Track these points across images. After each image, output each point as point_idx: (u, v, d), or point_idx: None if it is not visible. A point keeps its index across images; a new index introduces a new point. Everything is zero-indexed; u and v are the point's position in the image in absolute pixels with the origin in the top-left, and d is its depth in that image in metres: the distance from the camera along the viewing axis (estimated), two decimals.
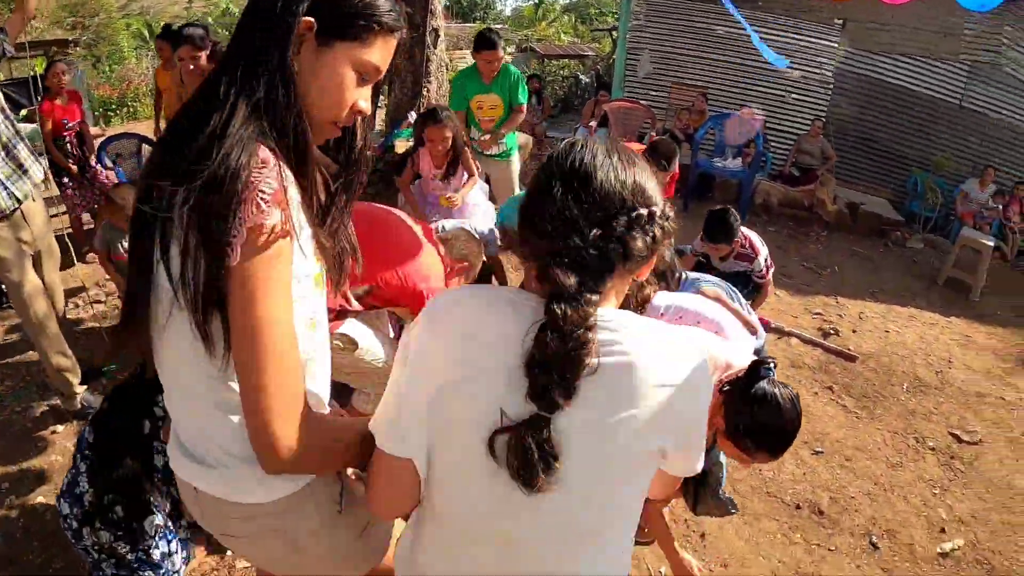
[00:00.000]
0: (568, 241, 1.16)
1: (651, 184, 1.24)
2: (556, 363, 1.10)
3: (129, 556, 2.62)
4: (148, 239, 1.27)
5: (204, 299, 1.19)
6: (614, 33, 16.93)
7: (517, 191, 6.08)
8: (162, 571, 2.68)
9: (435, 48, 7.48)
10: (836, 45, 11.54)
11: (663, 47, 11.95)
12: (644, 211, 1.20)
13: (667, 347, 1.22)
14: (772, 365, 2.32)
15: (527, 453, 1.12)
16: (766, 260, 4.84)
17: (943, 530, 3.95)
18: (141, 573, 2.66)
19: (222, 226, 1.14)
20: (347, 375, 3.13)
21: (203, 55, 4.10)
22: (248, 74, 1.26)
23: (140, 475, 2.63)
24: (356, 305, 2.82)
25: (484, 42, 5.44)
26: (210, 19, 20.49)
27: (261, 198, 1.16)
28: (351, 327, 2.92)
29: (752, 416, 2.25)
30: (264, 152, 1.20)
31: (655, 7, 11.95)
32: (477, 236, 3.39)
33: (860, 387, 5.42)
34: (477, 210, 5.26)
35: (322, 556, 1.58)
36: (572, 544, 1.26)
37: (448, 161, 5.01)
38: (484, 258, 3.67)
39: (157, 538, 2.66)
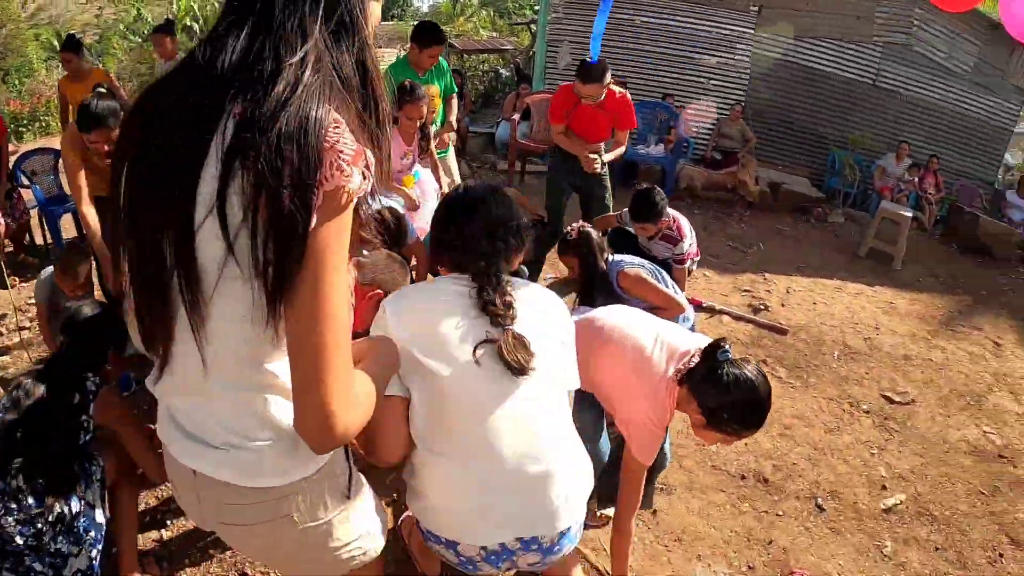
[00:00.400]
0: (473, 247, 1.90)
1: (516, 208, 1.98)
2: (499, 299, 1.84)
3: (18, 539, 2.28)
4: (181, 205, 1.16)
5: (276, 269, 1.11)
6: (533, 26, 16.96)
7: (457, 180, 6.01)
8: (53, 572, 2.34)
9: None
10: (752, 31, 11.72)
11: (582, 38, 11.97)
12: (513, 224, 1.95)
13: (533, 287, 2.05)
14: (727, 346, 2.34)
15: (514, 348, 1.79)
16: (690, 246, 4.87)
17: (884, 487, 4.03)
18: (30, 564, 2.30)
19: (301, 187, 1.07)
20: None
21: (116, 131, 3.85)
22: (329, 10, 1.19)
23: (61, 448, 2.43)
24: None
25: (435, 38, 5.32)
26: (122, 25, 19.83)
27: (342, 159, 1.10)
28: None
29: (733, 401, 2.26)
30: (335, 113, 1.14)
31: None
32: (400, 260, 3.19)
33: (792, 358, 5.49)
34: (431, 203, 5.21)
35: (326, 545, 1.56)
36: (551, 415, 1.97)
37: (417, 140, 4.94)
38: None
39: (57, 531, 2.34)
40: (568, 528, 2.03)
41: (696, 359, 2.42)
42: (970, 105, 12.45)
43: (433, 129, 5.53)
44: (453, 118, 5.93)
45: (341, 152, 1.10)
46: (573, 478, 2.03)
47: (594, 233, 3.86)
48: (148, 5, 21.14)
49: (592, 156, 5.26)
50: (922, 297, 7.55)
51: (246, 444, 1.33)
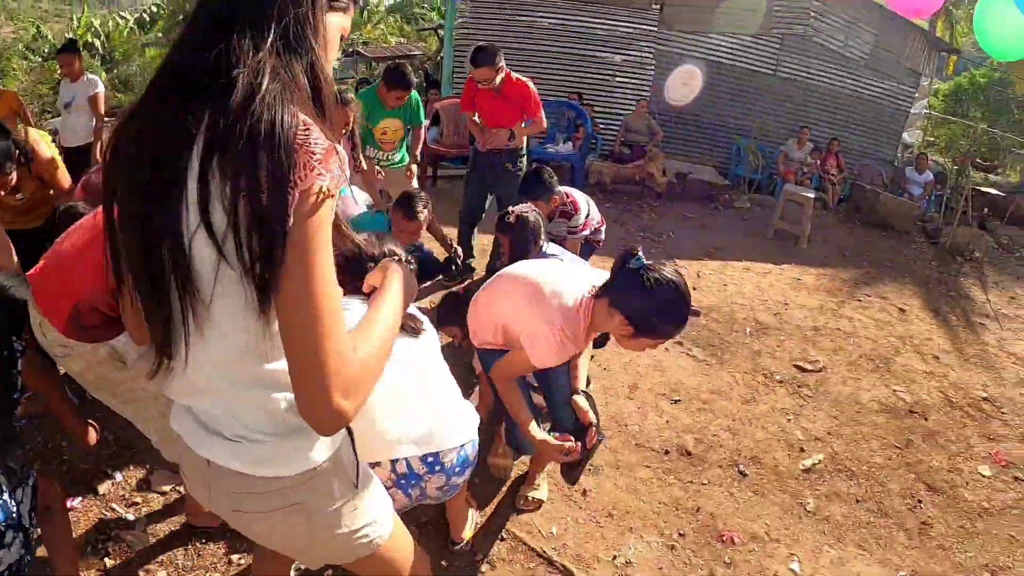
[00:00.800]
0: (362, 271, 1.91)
1: (397, 244, 2.28)
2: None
3: None
4: (174, 215, 1.19)
5: (262, 268, 1.15)
6: (440, 31, 16.95)
7: None
8: None
9: None
10: (655, 28, 11.91)
11: (490, 41, 11.98)
12: (395, 257, 2.07)
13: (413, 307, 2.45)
14: (639, 252, 2.39)
15: (407, 318, 2.22)
16: (588, 216, 4.91)
17: (802, 449, 4.14)
18: None
19: (276, 189, 1.10)
20: (114, 403, 2.72)
21: (13, 175, 3.68)
22: (281, 24, 1.22)
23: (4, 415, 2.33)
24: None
25: (400, 83, 5.28)
26: (21, 44, 19.05)
27: (314, 159, 1.13)
28: (126, 341, 2.57)
29: (661, 302, 2.30)
30: (301, 115, 1.16)
31: (479, 3, 11.99)
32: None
33: (707, 338, 5.58)
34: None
35: (335, 532, 1.59)
36: (436, 366, 2.40)
37: (349, 151, 4.85)
38: None
39: None
40: (463, 447, 2.32)
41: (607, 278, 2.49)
42: (868, 89, 12.92)
43: (398, 157, 5.67)
44: (417, 150, 5.95)
45: (312, 152, 1.13)
46: (460, 406, 2.43)
47: (532, 219, 3.85)
48: (47, 23, 20.48)
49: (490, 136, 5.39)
50: (828, 271, 7.78)
51: (257, 437, 1.38)
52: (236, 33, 1.19)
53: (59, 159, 4.00)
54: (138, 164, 1.23)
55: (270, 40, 1.20)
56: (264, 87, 1.13)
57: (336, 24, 1.37)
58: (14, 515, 2.24)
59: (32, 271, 2.59)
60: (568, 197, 4.82)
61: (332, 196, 1.18)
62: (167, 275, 1.23)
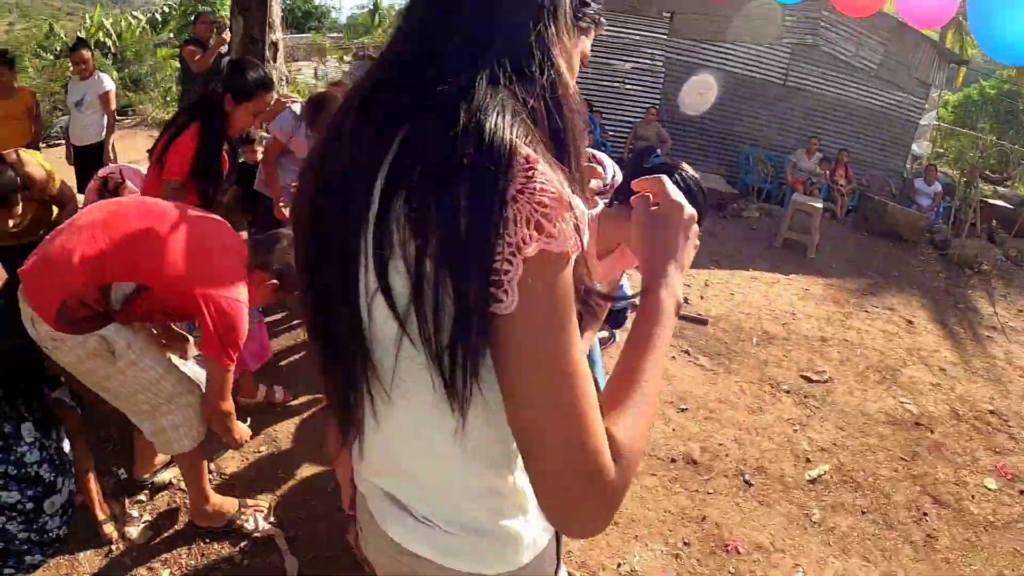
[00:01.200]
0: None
1: None
2: None
3: None
4: (341, 267, 0.96)
5: (453, 365, 0.87)
6: None
7: None
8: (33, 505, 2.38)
9: (275, 62, 7.24)
10: (665, 36, 11.96)
11: None
12: None
13: None
14: (657, 151, 2.31)
15: None
16: (613, 177, 4.91)
17: (808, 460, 4.14)
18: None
19: (481, 257, 0.78)
20: (105, 395, 2.75)
21: (19, 206, 3.65)
22: (512, 38, 0.92)
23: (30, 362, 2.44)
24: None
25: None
26: (34, 43, 18.99)
27: (543, 214, 0.79)
28: (115, 332, 2.55)
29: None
30: (524, 147, 0.81)
31: None
32: None
33: (714, 347, 5.59)
34: None
35: None
36: None
37: None
38: None
39: (42, 457, 2.40)
40: None
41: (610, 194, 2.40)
42: (877, 100, 12.92)
43: None
44: None
45: (539, 204, 0.79)
46: None
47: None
48: (60, 21, 20.43)
49: None
50: (836, 282, 7.80)
51: (452, 529, 1.11)
52: (450, 44, 0.91)
53: (55, 174, 3.90)
54: (319, 202, 0.99)
55: (492, 54, 0.89)
56: (475, 105, 0.83)
57: (576, 47, 1.08)
58: (56, 461, 2.43)
59: (23, 267, 2.61)
60: (594, 158, 4.82)
61: (569, 258, 0.84)
62: (343, 341, 1.00)
